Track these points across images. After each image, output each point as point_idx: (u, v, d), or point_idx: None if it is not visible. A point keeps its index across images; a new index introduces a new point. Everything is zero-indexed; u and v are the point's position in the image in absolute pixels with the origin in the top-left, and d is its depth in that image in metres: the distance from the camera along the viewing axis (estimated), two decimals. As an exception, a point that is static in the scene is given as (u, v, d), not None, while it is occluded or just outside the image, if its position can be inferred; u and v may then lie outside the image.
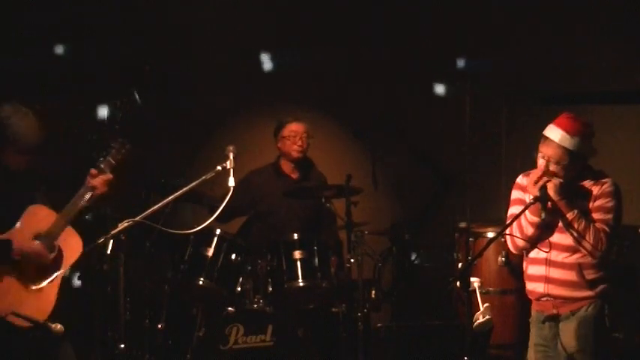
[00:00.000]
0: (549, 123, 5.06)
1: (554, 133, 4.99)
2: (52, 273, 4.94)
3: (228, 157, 5.08)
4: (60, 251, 4.99)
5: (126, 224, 4.96)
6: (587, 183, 5.07)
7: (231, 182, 5.01)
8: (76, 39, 7.61)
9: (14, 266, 4.88)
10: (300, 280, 6.48)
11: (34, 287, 4.92)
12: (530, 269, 5.16)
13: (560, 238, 5.06)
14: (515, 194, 5.22)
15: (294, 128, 7.12)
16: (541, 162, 5.04)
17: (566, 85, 7.80)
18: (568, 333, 5.05)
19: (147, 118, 7.13)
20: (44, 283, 4.92)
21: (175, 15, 7.78)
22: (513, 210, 5.19)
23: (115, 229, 4.95)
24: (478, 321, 4.90)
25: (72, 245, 4.99)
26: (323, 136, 7.66)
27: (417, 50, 8.01)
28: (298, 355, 6.38)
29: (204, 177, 5.08)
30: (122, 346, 5.36)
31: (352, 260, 6.57)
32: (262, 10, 7.94)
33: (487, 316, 4.94)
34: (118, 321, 5.71)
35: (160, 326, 6.43)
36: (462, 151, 7.26)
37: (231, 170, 5.04)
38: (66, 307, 4.99)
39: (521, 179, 5.21)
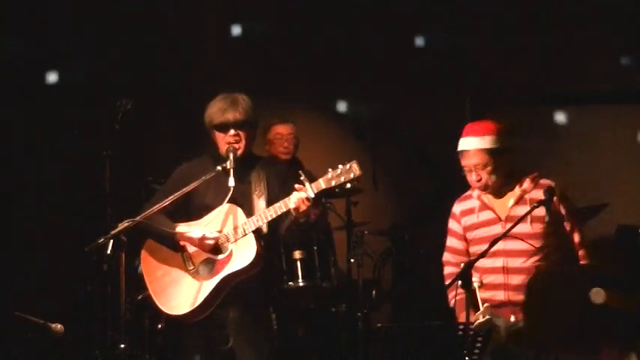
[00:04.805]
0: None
1: (465, 143, 5.00)
2: (217, 273, 4.99)
3: (228, 157, 5.08)
4: (230, 255, 4.98)
5: (126, 224, 4.96)
6: (526, 187, 5.03)
7: (231, 182, 5.01)
8: (73, 38, 7.60)
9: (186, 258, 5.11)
10: (300, 280, 6.48)
11: (198, 280, 5.04)
12: (488, 278, 5.10)
13: (514, 244, 5.02)
14: (451, 224, 5.21)
15: (279, 130, 7.04)
16: (471, 177, 5.01)
17: (567, 85, 7.79)
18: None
19: (147, 118, 7.14)
20: (208, 280, 5.01)
21: (176, 15, 7.77)
22: (451, 242, 5.18)
23: (114, 229, 4.96)
24: (478, 321, 4.88)
25: (243, 254, 4.95)
26: (323, 136, 7.65)
27: (418, 50, 8.01)
28: (298, 355, 6.37)
29: (204, 177, 5.07)
30: (122, 346, 5.35)
31: (352, 260, 6.57)
32: (263, 10, 7.94)
33: (487, 316, 4.92)
34: (118, 321, 5.70)
35: (159, 326, 6.41)
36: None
37: (232, 170, 5.04)
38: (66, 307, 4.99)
39: (456, 208, 5.19)
